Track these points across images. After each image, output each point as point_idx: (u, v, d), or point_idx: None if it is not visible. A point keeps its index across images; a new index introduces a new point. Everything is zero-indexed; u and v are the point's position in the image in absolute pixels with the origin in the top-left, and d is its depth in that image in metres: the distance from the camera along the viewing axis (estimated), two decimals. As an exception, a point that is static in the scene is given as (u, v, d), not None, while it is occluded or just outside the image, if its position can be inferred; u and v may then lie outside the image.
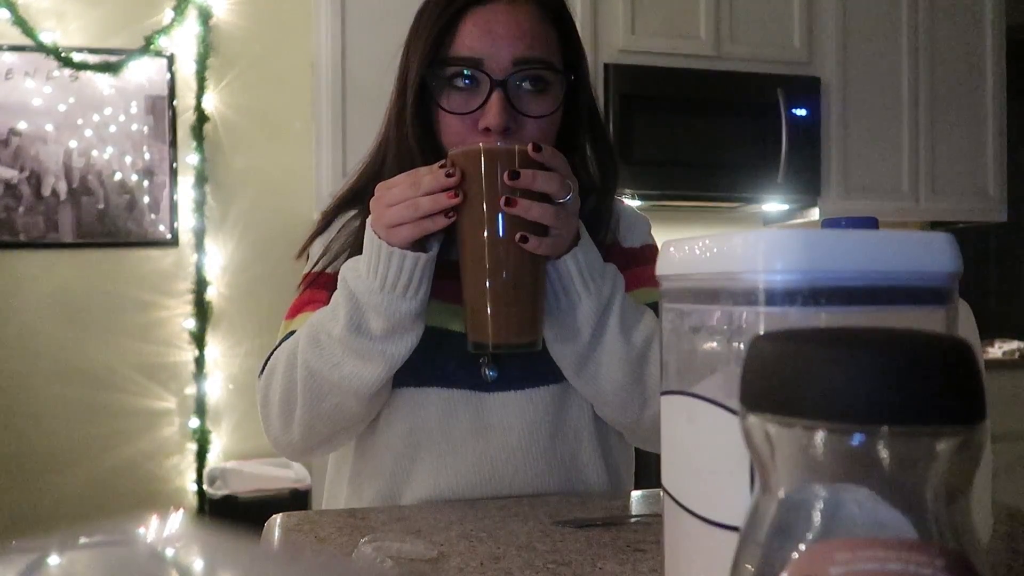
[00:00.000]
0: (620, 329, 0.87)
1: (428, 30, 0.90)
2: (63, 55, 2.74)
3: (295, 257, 1.05)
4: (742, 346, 0.41)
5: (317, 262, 0.98)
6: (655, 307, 0.91)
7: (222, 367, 2.88)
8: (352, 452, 0.99)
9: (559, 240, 0.81)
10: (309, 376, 0.86)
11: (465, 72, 0.89)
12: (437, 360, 0.92)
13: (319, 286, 0.96)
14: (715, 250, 0.44)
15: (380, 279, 0.81)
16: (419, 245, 0.82)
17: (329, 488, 1.05)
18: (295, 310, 0.98)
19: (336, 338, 0.84)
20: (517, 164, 0.78)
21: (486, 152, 0.79)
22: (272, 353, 0.93)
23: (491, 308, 0.80)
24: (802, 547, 0.25)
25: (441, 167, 0.79)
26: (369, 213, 0.97)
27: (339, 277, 0.86)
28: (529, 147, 0.78)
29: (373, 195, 1.01)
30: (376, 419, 0.95)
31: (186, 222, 2.86)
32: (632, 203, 2.69)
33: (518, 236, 0.78)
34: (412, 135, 0.92)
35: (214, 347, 2.88)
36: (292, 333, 0.93)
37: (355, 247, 0.94)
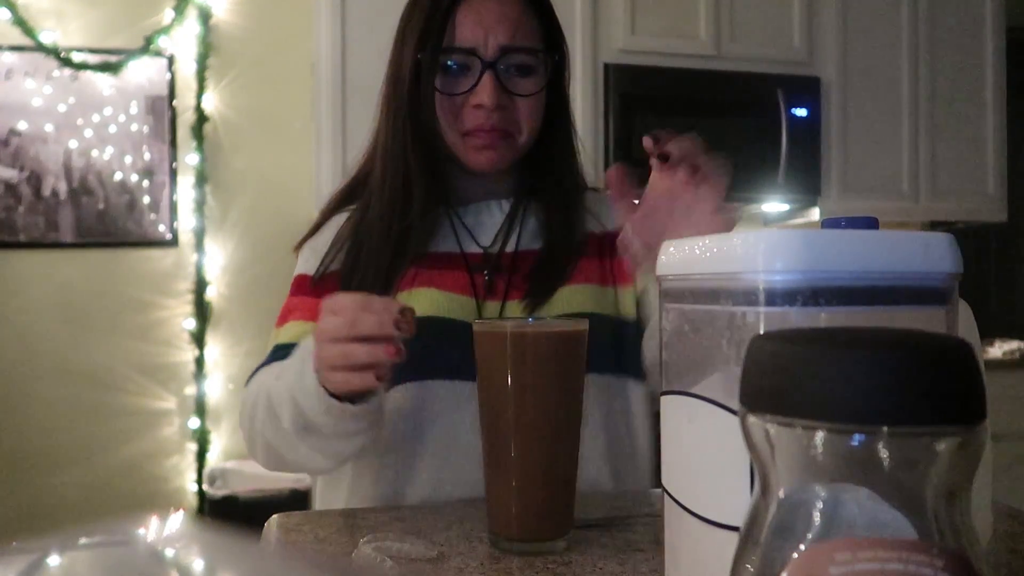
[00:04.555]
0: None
1: (422, 22, 0.95)
2: (63, 55, 2.73)
3: (293, 249, 1.06)
4: (742, 346, 0.41)
5: (319, 266, 0.98)
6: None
7: (222, 367, 2.88)
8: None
9: None
10: (267, 448, 0.85)
11: (458, 57, 0.95)
12: (440, 352, 0.90)
13: (306, 292, 0.98)
14: (715, 250, 0.44)
15: (323, 408, 0.75)
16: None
17: (323, 493, 1.01)
18: (283, 317, 0.99)
19: (285, 429, 0.80)
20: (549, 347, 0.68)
21: (514, 337, 0.67)
22: (255, 373, 0.92)
23: (516, 503, 0.69)
24: (802, 547, 0.25)
25: (399, 307, 0.67)
26: (359, 212, 1.00)
27: (289, 368, 0.79)
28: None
29: (367, 190, 1.03)
30: None
31: (186, 222, 2.86)
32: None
33: None
34: (407, 116, 0.96)
35: (214, 347, 2.88)
36: (277, 348, 0.93)
37: (340, 248, 0.97)
